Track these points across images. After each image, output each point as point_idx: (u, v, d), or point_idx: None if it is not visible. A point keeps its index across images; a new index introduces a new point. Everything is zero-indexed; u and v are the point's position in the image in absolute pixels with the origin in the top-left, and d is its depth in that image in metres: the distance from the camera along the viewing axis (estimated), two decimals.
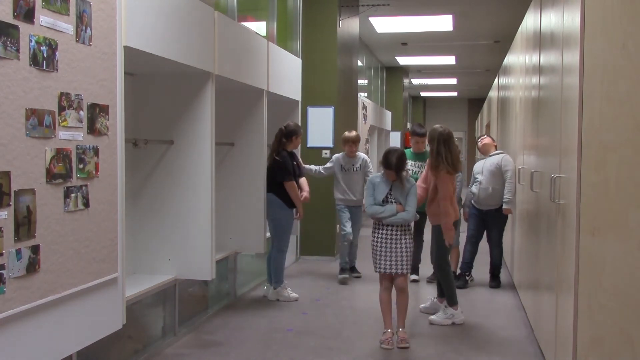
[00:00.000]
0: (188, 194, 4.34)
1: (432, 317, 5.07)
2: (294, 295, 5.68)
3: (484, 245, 6.42)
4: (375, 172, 6.17)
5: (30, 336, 2.67)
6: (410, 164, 5.93)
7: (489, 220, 6.24)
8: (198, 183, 4.33)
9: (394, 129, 15.40)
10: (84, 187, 2.95)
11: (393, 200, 4.45)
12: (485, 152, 6.37)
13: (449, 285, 5.07)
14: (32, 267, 2.62)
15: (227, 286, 5.73)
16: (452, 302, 5.05)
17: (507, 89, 7.57)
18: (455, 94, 23.83)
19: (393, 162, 4.41)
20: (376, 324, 4.86)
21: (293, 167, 5.56)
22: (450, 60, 14.72)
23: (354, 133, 6.55)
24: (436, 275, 5.37)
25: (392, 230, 4.45)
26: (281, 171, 5.46)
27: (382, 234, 4.48)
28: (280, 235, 5.62)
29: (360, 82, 11.27)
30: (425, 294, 6.12)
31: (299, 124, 6.61)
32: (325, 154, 7.79)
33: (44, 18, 2.65)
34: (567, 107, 3.19)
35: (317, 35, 7.86)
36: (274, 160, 5.50)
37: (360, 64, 11.70)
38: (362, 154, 6.59)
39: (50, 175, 2.72)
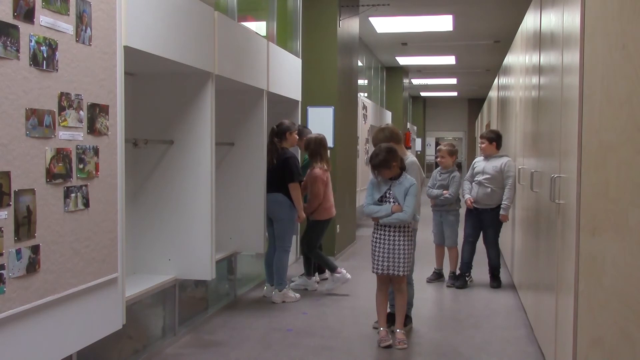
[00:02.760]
0: (188, 194, 4.34)
1: (326, 287, 6.03)
2: (297, 295, 5.70)
3: (482, 245, 6.41)
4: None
5: (30, 336, 2.67)
6: None
7: (485, 220, 6.24)
8: (198, 183, 4.33)
9: None
10: (84, 187, 2.95)
11: (392, 200, 4.41)
12: (489, 153, 6.34)
13: (321, 259, 6.04)
14: (32, 267, 2.62)
15: (227, 286, 5.73)
16: (333, 268, 5.98)
17: (507, 89, 7.57)
18: (455, 94, 23.84)
19: (373, 161, 4.40)
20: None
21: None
22: (450, 60, 14.72)
23: (384, 126, 5.07)
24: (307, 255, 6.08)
25: (389, 230, 4.42)
26: (289, 171, 5.47)
27: (380, 234, 4.45)
28: (286, 235, 5.61)
29: (360, 82, 11.27)
30: (429, 294, 6.12)
31: (299, 124, 6.61)
32: None
33: (44, 18, 2.65)
34: (567, 107, 3.20)
35: (317, 35, 7.86)
36: (279, 160, 5.48)
37: (360, 64, 11.70)
38: (410, 155, 4.85)
39: (50, 175, 2.72)
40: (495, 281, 6.36)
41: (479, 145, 6.40)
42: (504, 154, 6.38)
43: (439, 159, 6.44)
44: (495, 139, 6.33)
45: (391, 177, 4.42)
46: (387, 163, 4.34)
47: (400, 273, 4.41)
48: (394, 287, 4.52)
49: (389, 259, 4.41)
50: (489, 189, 6.12)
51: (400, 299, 4.51)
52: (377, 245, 4.46)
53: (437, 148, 6.62)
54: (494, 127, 10.36)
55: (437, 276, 6.66)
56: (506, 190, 6.06)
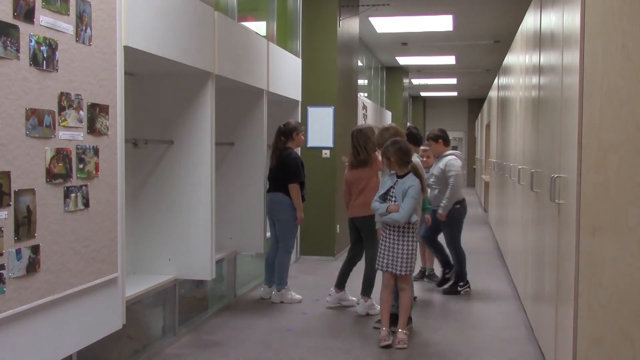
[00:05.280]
0: (188, 194, 4.34)
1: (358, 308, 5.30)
2: (297, 296, 5.64)
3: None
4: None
5: (30, 336, 2.67)
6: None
7: (439, 221, 6.04)
8: (198, 183, 4.33)
9: None
10: (84, 187, 2.95)
11: (394, 199, 4.42)
12: (438, 153, 6.14)
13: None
14: (32, 267, 2.62)
15: (227, 286, 5.73)
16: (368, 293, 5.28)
17: (507, 89, 7.57)
18: (455, 94, 23.82)
19: (386, 152, 4.44)
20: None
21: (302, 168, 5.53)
22: (450, 60, 14.72)
23: (387, 126, 5.14)
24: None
25: (392, 230, 4.44)
26: (290, 172, 5.44)
27: (385, 232, 4.49)
28: (287, 235, 5.58)
29: (360, 82, 11.27)
30: (429, 294, 6.12)
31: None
32: (325, 153, 7.79)
33: (44, 18, 2.65)
34: (567, 107, 3.20)
35: (317, 35, 7.86)
36: (281, 159, 5.47)
37: (360, 64, 11.70)
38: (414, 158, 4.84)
39: (50, 175, 2.72)
40: (443, 284, 6.19)
41: (424, 149, 6.18)
42: (451, 152, 6.12)
43: (424, 159, 6.38)
44: (441, 136, 6.09)
45: (397, 175, 4.47)
46: (395, 155, 4.40)
47: (398, 272, 4.42)
48: (398, 286, 4.53)
49: (389, 256, 4.43)
50: (436, 190, 5.98)
51: (404, 299, 4.51)
52: (382, 242, 4.51)
53: (422, 148, 6.57)
54: (494, 127, 10.36)
55: (423, 275, 6.67)
56: (448, 189, 5.86)
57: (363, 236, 5.28)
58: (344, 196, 5.40)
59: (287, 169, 5.45)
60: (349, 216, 5.34)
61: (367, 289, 5.27)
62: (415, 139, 5.56)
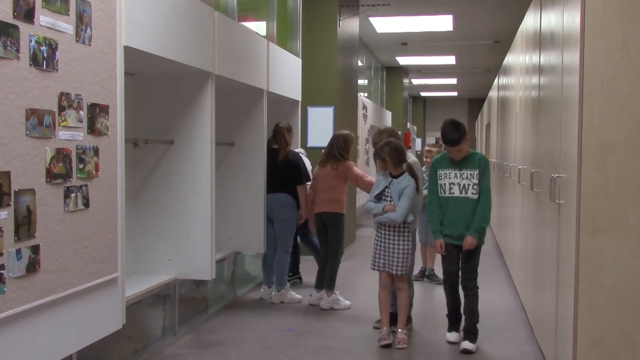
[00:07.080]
0: (188, 194, 4.34)
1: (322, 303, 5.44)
2: (297, 296, 5.64)
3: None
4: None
5: (30, 336, 2.67)
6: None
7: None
8: (198, 183, 4.34)
9: None
10: (84, 187, 2.95)
11: (389, 198, 4.42)
12: None
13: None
14: (32, 267, 2.62)
15: (227, 286, 5.73)
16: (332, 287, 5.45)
17: (507, 89, 7.57)
18: (455, 94, 23.85)
19: (380, 152, 4.44)
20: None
21: None
22: (450, 60, 14.73)
23: (383, 128, 5.03)
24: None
25: (387, 229, 4.43)
26: (299, 173, 5.49)
27: (380, 232, 4.48)
28: (288, 236, 5.58)
29: (360, 82, 11.27)
30: (429, 294, 6.12)
31: (299, 124, 6.61)
32: None
33: (44, 18, 2.65)
34: (567, 107, 3.20)
35: (317, 35, 7.86)
36: (289, 159, 5.49)
37: (360, 64, 11.71)
38: (410, 155, 4.79)
39: (50, 175, 2.72)
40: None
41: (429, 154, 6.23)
42: (298, 150, 6.02)
43: (429, 159, 6.35)
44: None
45: (392, 175, 4.45)
46: (390, 155, 4.39)
47: (394, 271, 4.41)
48: (395, 286, 4.53)
49: (385, 256, 4.43)
50: None
51: (401, 298, 4.51)
52: (377, 242, 4.50)
53: (427, 149, 6.53)
54: (494, 127, 10.35)
55: (423, 275, 6.66)
56: None
57: (329, 231, 5.46)
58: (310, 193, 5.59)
59: (297, 169, 5.48)
60: (316, 211, 5.50)
61: (330, 284, 5.45)
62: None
